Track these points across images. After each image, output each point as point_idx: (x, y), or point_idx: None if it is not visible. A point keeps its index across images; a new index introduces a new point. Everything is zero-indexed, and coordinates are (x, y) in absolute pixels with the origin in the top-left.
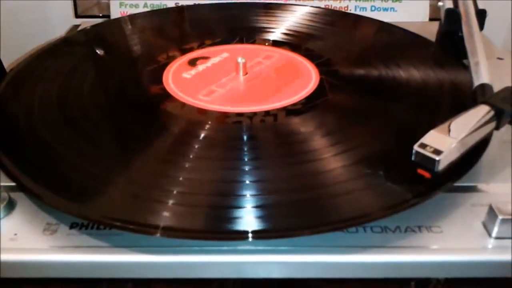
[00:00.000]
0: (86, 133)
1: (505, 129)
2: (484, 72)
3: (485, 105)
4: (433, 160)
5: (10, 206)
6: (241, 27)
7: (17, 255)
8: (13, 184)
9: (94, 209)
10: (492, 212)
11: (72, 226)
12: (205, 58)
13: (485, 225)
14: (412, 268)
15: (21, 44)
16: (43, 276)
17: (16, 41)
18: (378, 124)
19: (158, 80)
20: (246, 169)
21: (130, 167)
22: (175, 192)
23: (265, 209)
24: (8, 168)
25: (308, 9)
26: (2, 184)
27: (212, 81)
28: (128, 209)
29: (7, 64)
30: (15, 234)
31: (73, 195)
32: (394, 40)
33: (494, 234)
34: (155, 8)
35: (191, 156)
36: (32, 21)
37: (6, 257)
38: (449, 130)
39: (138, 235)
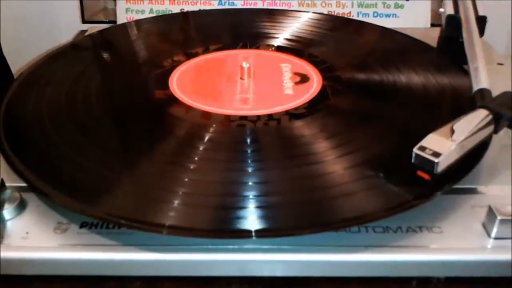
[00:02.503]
0: (94, 135)
1: (505, 132)
2: (483, 77)
3: (484, 109)
4: (432, 162)
5: (22, 206)
6: (245, 33)
7: (29, 253)
8: (24, 184)
9: (102, 208)
10: (491, 213)
11: (82, 225)
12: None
13: (484, 226)
14: (413, 267)
15: (28, 50)
16: (54, 274)
17: (24, 47)
18: (379, 128)
19: (164, 84)
20: (251, 171)
21: (137, 168)
22: (181, 192)
23: (268, 209)
24: (20, 169)
25: (311, 15)
26: (13, 184)
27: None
28: (136, 209)
29: (15, 69)
30: (27, 233)
31: (82, 195)
32: (396, 46)
33: (493, 234)
34: (160, 14)
35: (196, 158)
36: (39, 26)
37: (18, 255)
38: (448, 133)
39: (146, 234)
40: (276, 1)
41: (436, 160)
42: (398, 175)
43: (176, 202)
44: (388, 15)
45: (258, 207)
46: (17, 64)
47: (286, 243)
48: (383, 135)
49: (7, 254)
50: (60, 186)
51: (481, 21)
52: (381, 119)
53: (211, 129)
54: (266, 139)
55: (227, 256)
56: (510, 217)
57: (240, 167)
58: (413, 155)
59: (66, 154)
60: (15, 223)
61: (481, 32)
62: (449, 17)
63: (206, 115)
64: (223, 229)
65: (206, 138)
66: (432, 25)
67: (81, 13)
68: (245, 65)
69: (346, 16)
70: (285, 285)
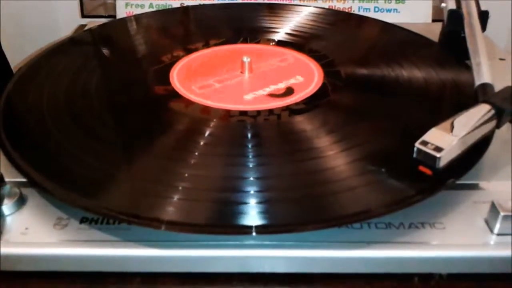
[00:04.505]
0: (93, 130)
1: (507, 128)
2: (485, 72)
3: (486, 104)
4: (434, 157)
5: (21, 201)
6: (245, 27)
7: (28, 248)
8: (24, 179)
9: (102, 203)
10: (494, 209)
11: (82, 220)
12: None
13: (487, 222)
14: (415, 263)
15: (28, 44)
16: (53, 270)
17: (23, 41)
18: (381, 123)
19: (164, 78)
20: (251, 166)
21: (137, 163)
22: (181, 187)
23: (269, 205)
24: (19, 164)
25: (312, 10)
26: (13, 179)
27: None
28: (135, 204)
29: (14, 64)
30: (26, 228)
31: (82, 189)
32: (397, 41)
33: (496, 230)
34: (160, 8)
35: (196, 153)
36: (39, 21)
37: (18, 250)
38: (450, 128)
39: (147, 230)
40: None
41: (438, 155)
42: (400, 170)
43: (176, 197)
44: (389, 10)
45: (259, 202)
46: (16, 58)
47: (287, 239)
48: (384, 130)
49: (6, 249)
50: (60, 181)
51: (483, 16)
52: (383, 113)
53: (211, 124)
54: (266, 134)
55: (228, 252)
56: None
57: (240, 162)
58: (415, 149)
59: (66, 149)
60: (14, 219)
61: (483, 27)
62: (451, 12)
63: (206, 110)
64: (223, 224)
65: (206, 133)
66: (434, 20)
67: (81, 7)
68: (245, 59)
69: (347, 10)
70: (286, 281)
